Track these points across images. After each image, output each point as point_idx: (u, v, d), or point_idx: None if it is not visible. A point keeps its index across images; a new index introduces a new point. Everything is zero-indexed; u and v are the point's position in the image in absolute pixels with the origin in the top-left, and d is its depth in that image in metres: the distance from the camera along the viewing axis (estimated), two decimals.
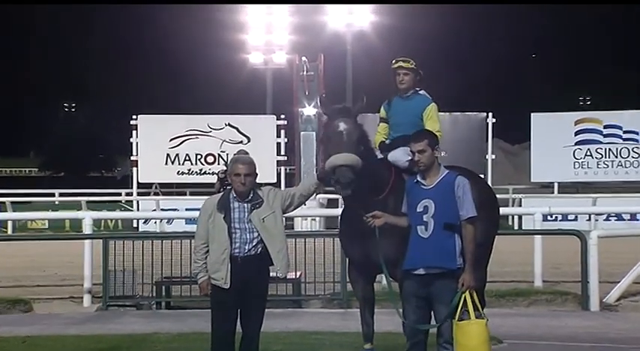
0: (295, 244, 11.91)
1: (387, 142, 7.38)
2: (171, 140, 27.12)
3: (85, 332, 9.96)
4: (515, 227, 21.92)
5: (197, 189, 27.20)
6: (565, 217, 22.91)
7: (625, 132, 27.75)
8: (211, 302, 6.67)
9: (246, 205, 6.55)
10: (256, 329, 6.66)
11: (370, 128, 7.07)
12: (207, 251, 6.58)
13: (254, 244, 6.53)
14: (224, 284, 6.50)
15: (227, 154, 24.92)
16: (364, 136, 6.80)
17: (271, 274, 6.71)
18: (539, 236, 12.89)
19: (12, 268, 15.43)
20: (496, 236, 7.50)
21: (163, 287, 12.12)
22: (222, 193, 6.77)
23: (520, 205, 24.57)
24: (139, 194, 27.46)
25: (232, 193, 6.62)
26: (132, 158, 27.28)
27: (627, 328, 10.32)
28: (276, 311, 11.46)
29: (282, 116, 28.24)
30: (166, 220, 20.31)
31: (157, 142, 26.60)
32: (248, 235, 6.53)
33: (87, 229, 13.15)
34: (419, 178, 6.41)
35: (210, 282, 6.56)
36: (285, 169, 28.29)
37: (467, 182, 6.40)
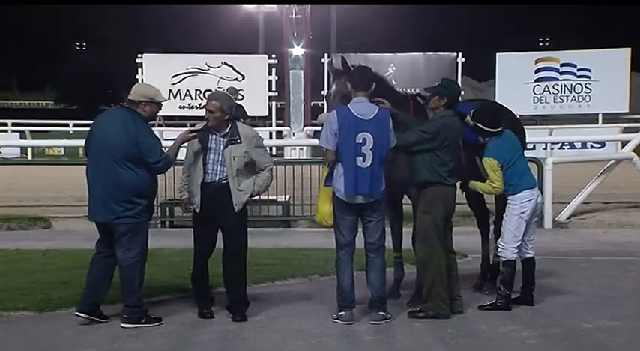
0: (285, 171, 11.98)
1: None
2: (173, 77, 26.90)
3: None
4: None
5: (196, 121, 27.02)
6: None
7: (579, 70, 27.74)
8: (193, 222, 6.64)
9: (222, 139, 6.39)
10: (236, 248, 6.47)
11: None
12: (189, 176, 6.55)
13: (224, 175, 6.37)
14: (197, 208, 6.47)
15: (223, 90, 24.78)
16: (376, 81, 6.67)
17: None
18: None
19: (32, 189, 15.48)
20: None
21: (167, 208, 12.21)
22: (204, 124, 6.50)
23: None
24: None
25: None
26: None
27: (575, 243, 10.59)
28: (268, 230, 11.58)
29: (274, 56, 28.02)
30: None
31: (161, 78, 26.22)
32: (219, 167, 6.38)
33: None
34: None
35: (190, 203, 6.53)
36: (276, 104, 28.18)
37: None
